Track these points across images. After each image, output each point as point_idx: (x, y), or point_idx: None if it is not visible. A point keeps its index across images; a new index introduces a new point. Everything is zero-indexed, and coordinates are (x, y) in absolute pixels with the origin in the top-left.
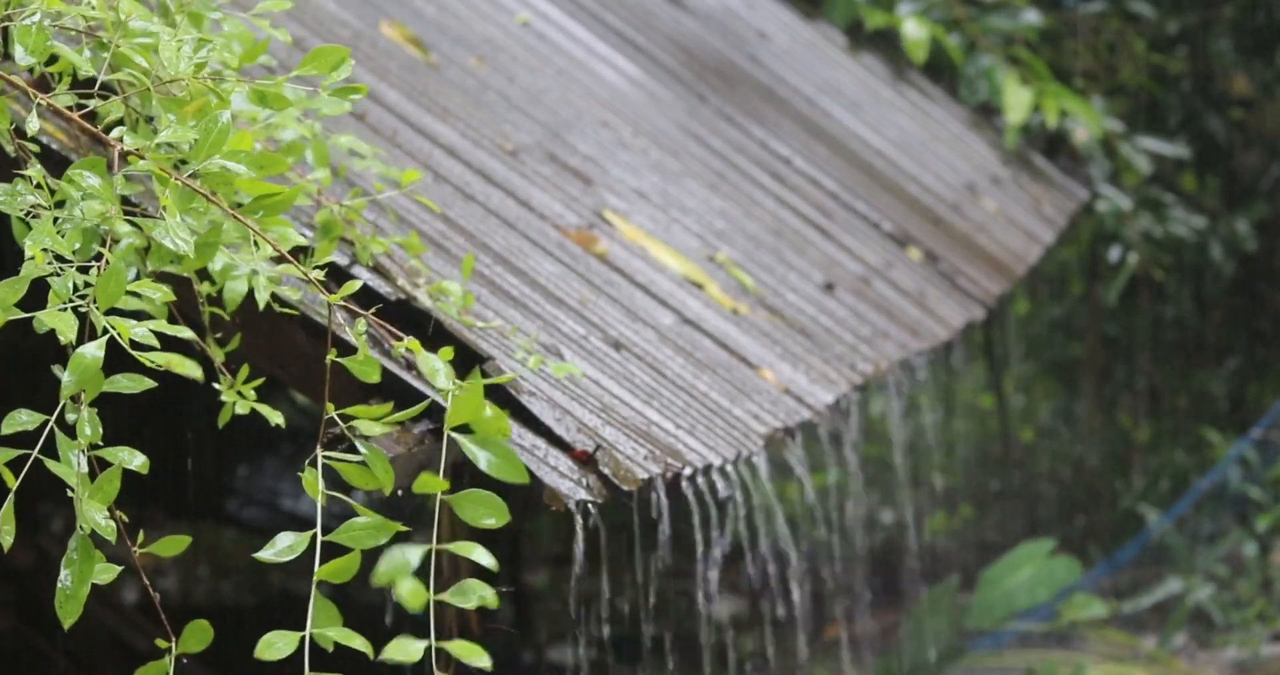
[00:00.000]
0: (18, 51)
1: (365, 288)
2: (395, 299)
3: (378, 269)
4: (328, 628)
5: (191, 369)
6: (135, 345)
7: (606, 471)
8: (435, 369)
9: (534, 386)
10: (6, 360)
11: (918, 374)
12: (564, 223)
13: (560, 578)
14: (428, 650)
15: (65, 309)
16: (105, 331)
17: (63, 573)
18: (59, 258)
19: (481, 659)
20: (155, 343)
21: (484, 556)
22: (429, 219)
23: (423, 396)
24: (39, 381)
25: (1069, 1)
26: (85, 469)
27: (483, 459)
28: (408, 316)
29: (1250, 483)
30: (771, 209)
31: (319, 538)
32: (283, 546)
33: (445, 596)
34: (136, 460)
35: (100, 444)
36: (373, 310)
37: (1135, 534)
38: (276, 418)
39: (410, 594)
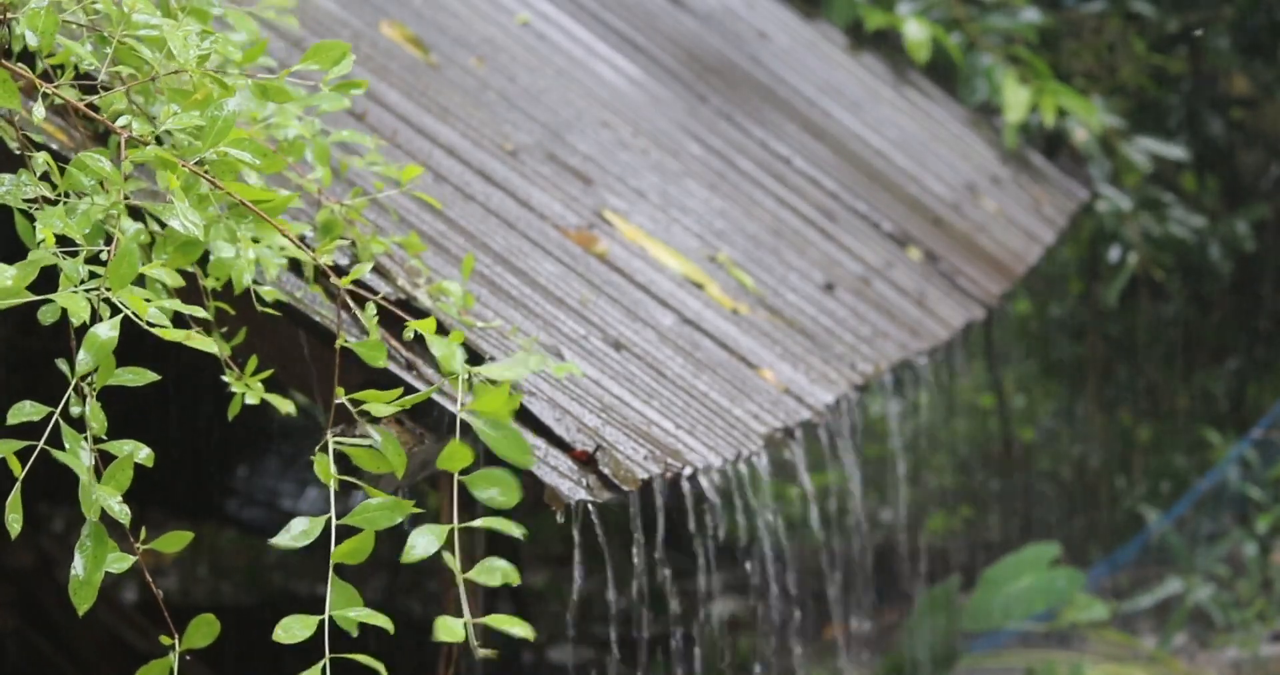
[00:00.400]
0: (27, 34)
1: (365, 288)
2: (395, 299)
3: (378, 269)
4: (348, 609)
5: (208, 344)
6: (148, 323)
7: (606, 471)
8: (449, 353)
9: (534, 386)
10: (7, 359)
11: (918, 374)
12: (564, 223)
13: (560, 577)
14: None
15: (77, 292)
16: (118, 311)
17: (75, 560)
18: (68, 243)
19: (522, 629)
20: (168, 323)
21: (511, 528)
22: (429, 219)
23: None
24: (40, 380)
25: (1069, 1)
26: (92, 461)
27: (494, 438)
28: (408, 317)
29: (1250, 483)
30: (771, 209)
31: (333, 521)
32: (298, 531)
33: (471, 575)
34: (142, 453)
35: (104, 437)
36: (375, 312)
37: (1135, 534)
38: (288, 407)
39: (449, 562)
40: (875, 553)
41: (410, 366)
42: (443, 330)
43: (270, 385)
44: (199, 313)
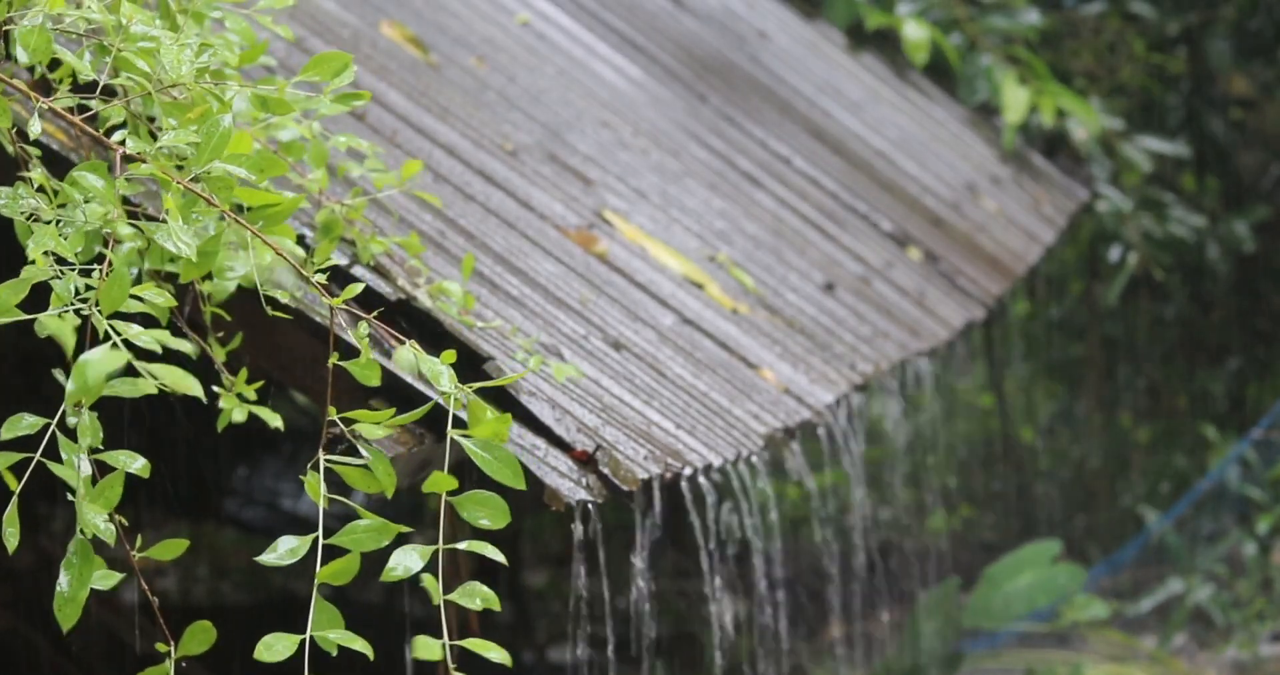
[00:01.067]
0: (20, 53)
1: (365, 288)
2: (396, 299)
3: (378, 269)
4: (329, 630)
5: (192, 386)
6: (138, 350)
7: (606, 471)
8: (438, 372)
9: (534, 386)
10: (7, 359)
11: (918, 374)
12: (564, 223)
13: (560, 577)
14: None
15: (67, 312)
16: (107, 336)
17: (61, 576)
18: (60, 260)
19: (498, 654)
20: (158, 349)
21: (494, 553)
22: (429, 219)
23: (423, 398)
24: (40, 380)
25: (1069, 2)
26: (88, 472)
27: (485, 462)
28: (408, 316)
29: (1250, 483)
30: (771, 209)
31: (320, 540)
32: (285, 550)
33: (452, 597)
34: (137, 464)
35: (101, 447)
36: (375, 314)
37: (1135, 534)
38: (275, 421)
39: (430, 586)
40: (875, 553)
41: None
42: (443, 332)
43: (269, 388)
44: (186, 347)
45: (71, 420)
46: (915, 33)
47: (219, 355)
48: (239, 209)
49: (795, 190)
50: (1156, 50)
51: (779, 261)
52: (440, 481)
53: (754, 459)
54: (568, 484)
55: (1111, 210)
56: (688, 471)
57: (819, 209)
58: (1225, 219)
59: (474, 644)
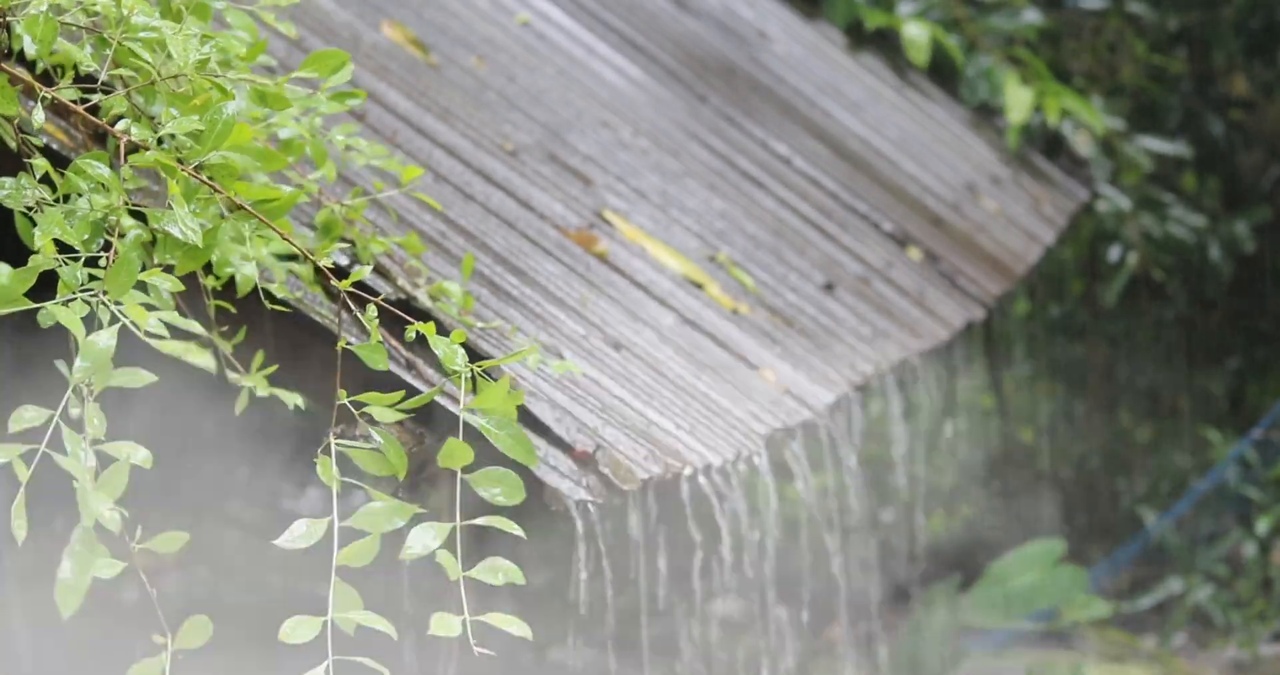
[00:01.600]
0: (25, 42)
1: (365, 288)
2: (395, 299)
3: (378, 269)
4: (350, 611)
5: (204, 358)
6: (147, 334)
7: (606, 471)
8: (451, 352)
9: (534, 386)
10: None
11: (918, 374)
12: (564, 223)
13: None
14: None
15: (75, 299)
16: (116, 319)
17: (63, 563)
18: (66, 249)
19: (520, 628)
20: (166, 333)
21: (513, 527)
22: (429, 219)
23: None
24: (39, 380)
25: (1069, 1)
26: (92, 463)
27: (498, 438)
28: (407, 316)
29: (1250, 483)
30: (771, 209)
31: (335, 524)
32: (299, 533)
33: (474, 572)
34: (139, 455)
35: (103, 439)
36: (375, 313)
37: (1135, 534)
38: (295, 399)
39: (448, 563)
40: (875, 552)
41: (410, 366)
42: (443, 331)
43: (271, 384)
44: (194, 327)
45: (74, 410)
46: (916, 33)
47: (226, 347)
48: (239, 208)
49: (795, 190)
50: (1156, 50)
51: (779, 261)
52: (456, 451)
53: (754, 459)
54: (568, 484)
55: (1111, 210)
56: (688, 471)
57: (819, 209)
58: (1225, 219)
59: (495, 618)
